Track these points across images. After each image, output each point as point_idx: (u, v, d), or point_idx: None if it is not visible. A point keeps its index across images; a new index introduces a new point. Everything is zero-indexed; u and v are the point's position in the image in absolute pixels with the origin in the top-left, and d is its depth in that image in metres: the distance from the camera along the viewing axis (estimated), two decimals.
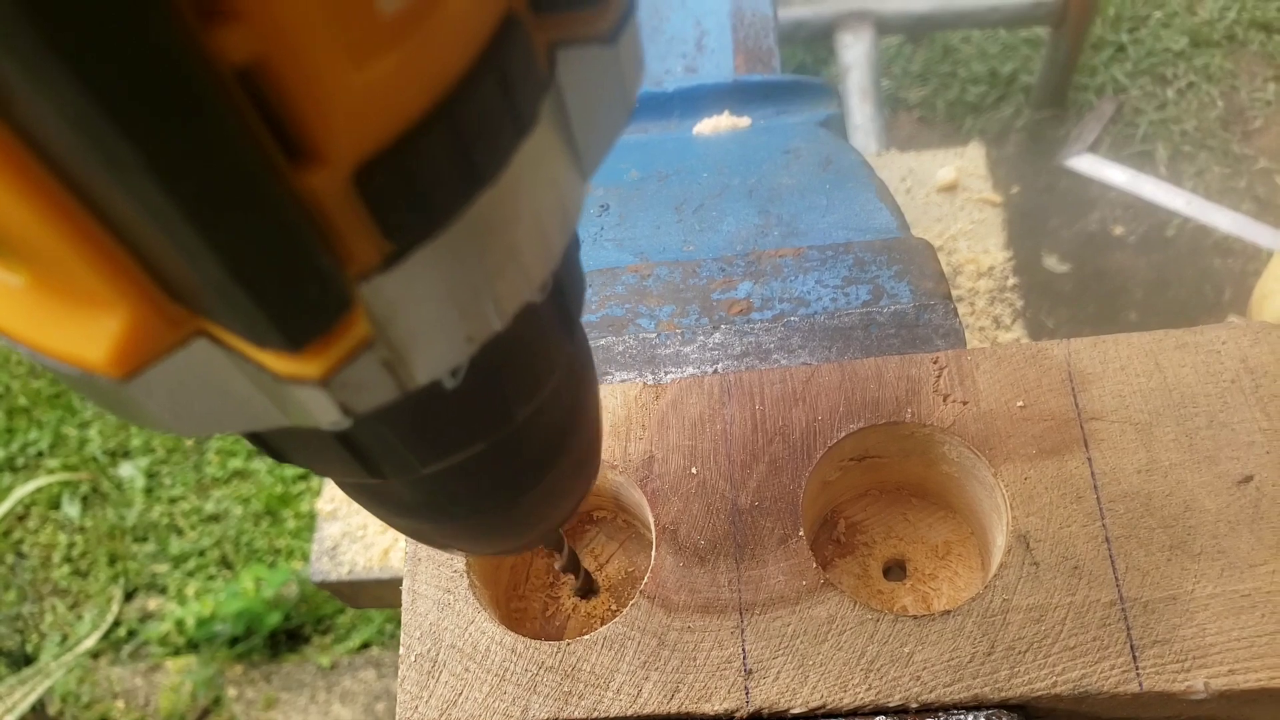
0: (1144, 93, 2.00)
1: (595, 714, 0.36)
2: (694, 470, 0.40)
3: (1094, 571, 0.36)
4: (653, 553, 0.39)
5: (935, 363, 0.40)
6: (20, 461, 2.23)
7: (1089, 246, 1.85)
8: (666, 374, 0.43)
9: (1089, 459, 0.37)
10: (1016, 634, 0.35)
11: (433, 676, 0.38)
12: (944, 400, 0.39)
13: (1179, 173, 1.90)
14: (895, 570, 0.42)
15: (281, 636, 1.94)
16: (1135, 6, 2.12)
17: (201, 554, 2.04)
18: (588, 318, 0.45)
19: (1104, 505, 0.37)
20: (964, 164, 0.84)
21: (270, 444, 0.21)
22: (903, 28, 1.83)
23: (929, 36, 2.14)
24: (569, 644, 0.38)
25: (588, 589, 0.42)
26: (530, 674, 0.37)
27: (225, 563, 2.03)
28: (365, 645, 1.91)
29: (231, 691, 1.91)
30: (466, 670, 0.38)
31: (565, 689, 0.37)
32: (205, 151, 0.12)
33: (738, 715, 0.36)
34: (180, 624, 1.93)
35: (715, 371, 0.43)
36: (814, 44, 1.97)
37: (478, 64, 0.14)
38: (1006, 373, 0.39)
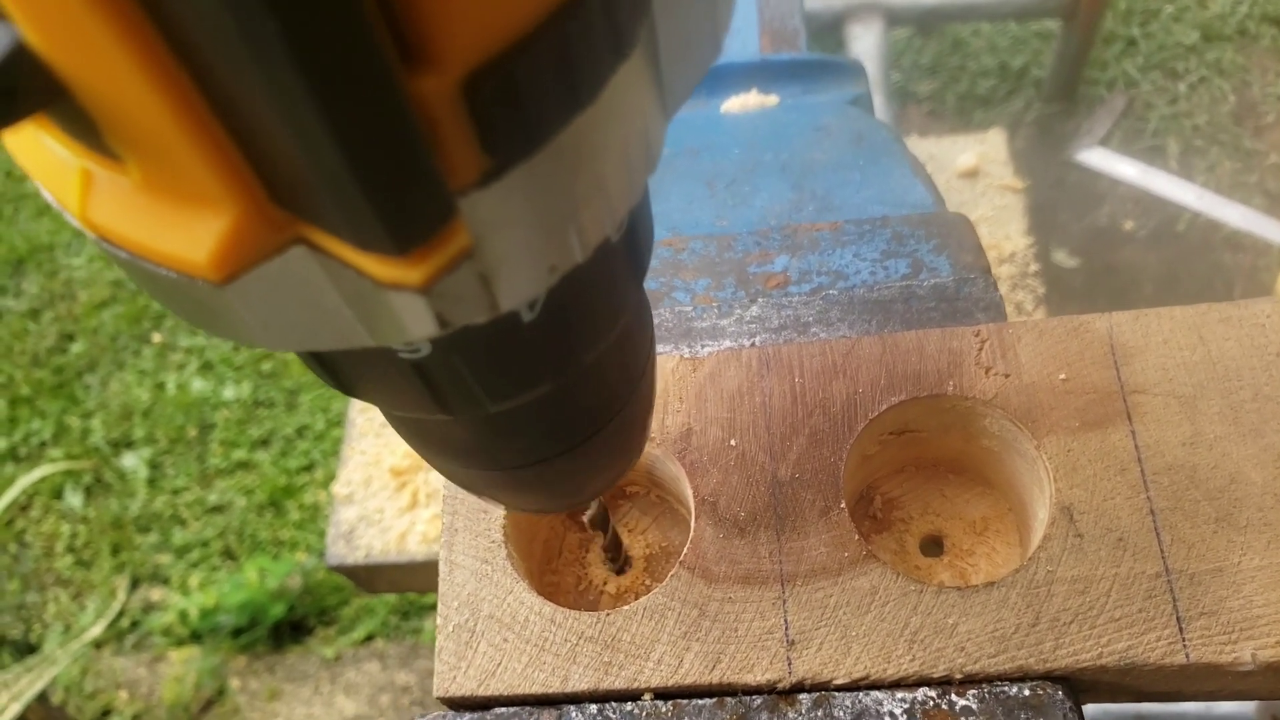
0: (1155, 87, 2.00)
1: (636, 684, 0.36)
2: (733, 442, 0.39)
3: (1139, 543, 0.35)
4: (691, 525, 0.39)
5: (977, 335, 0.40)
6: (23, 451, 2.23)
7: (1099, 241, 1.85)
8: (703, 347, 0.42)
9: (1132, 432, 0.37)
10: (1061, 605, 0.35)
11: (470, 646, 0.37)
12: (986, 373, 0.39)
13: (1190, 167, 1.90)
14: (932, 547, 0.42)
15: (285, 628, 1.93)
16: (1146, 0, 2.12)
17: (205, 545, 2.04)
18: None
19: (1148, 478, 0.36)
20: (985, 150, 0.83)
21: (341, 371, 0.21)
22: (913, 20, 1.83)
23: (939, 29, 2.14)
24: (608, 614, 0.37)
25: (617, 556, 0.42)
26: (570, 644, 0.37)
27: (228, 554, 2.03)
28: (369, 637, 1.91)
29: (235, 682, 1.91)
30: (505, 640, 0.37)
31: (605, 659, 0.37)
32: (332, 45, 0.12)
33: (780, 686, 0.35)
34: (184, 615, 1.92)
35: (753, 345, 0.43)
36: (823, 36, 1.96)
37: None
38: (1048, 345, 0.39)
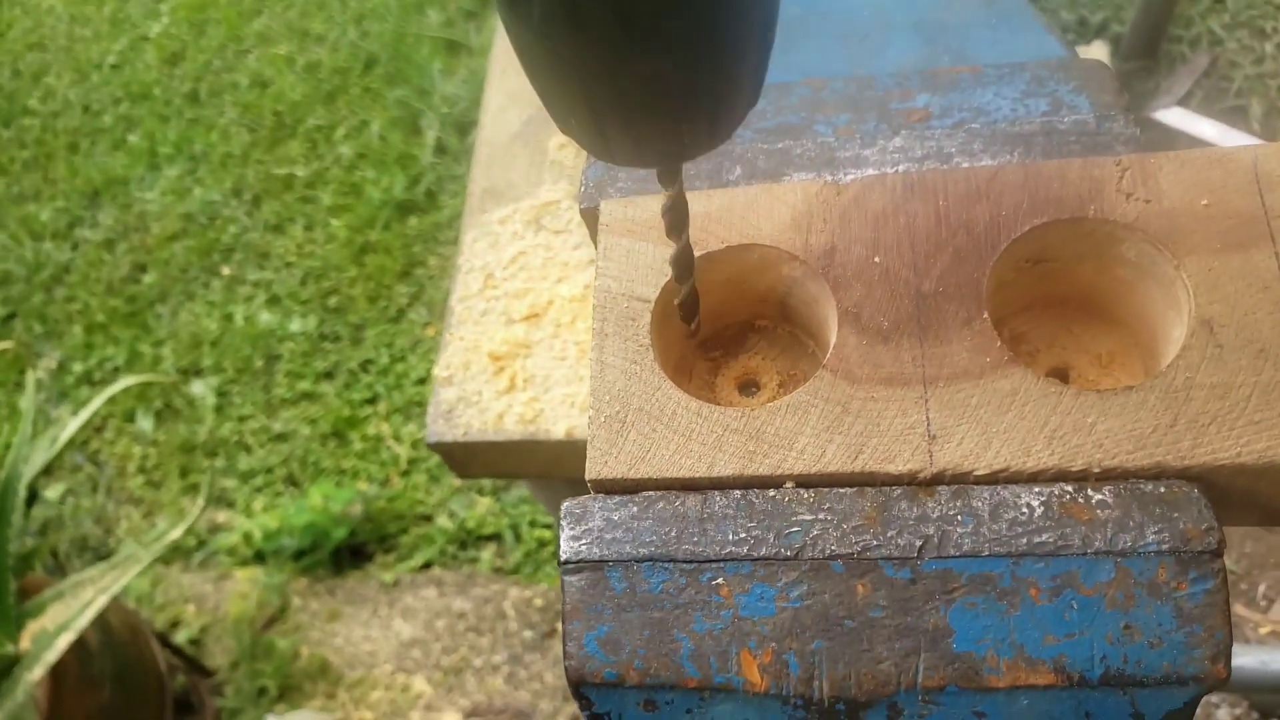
0: (1241, 46, 1.96)
1: (779, 472, 0.38)
2: (877, 259, 0.41)
3: None
4: (832, 336, 0.40)
5: (1118, 164, 0.41)
6: (97, 376, 2.30)
7: None
8: (846, 174, 0.44)
9: (1277, 254, 0.38)
10: (1200, 408, 0.36)
11: (621, 435, 0.40)
12: (1127, 199, 0.40)
13: (1273, 129, 1.86)
14: (1058, 378, 0.43)
15: (345, 552, 1.98)
16: None
17: (269, 471, 2.09)
18: (762, 124, 0.46)
19: None
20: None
21: None
22: None
23: None
24: (753, 410, 0.39)
25: (691, 315, 0.43)
26: (716, 435, 0.39)
27: (292, 480, 2.08)
28: (427, 565, 1.95)
29: (296, 601, 1.97)
30: (654, 430, 0.39)
31: (750, 448, 0.38)
32: None
33: (921, 476, 0.37)
34: (248, 536, 1.98)
35: (896, 173, 0.44)
36: None
37: None
38: (1191, 174, 0.40)
